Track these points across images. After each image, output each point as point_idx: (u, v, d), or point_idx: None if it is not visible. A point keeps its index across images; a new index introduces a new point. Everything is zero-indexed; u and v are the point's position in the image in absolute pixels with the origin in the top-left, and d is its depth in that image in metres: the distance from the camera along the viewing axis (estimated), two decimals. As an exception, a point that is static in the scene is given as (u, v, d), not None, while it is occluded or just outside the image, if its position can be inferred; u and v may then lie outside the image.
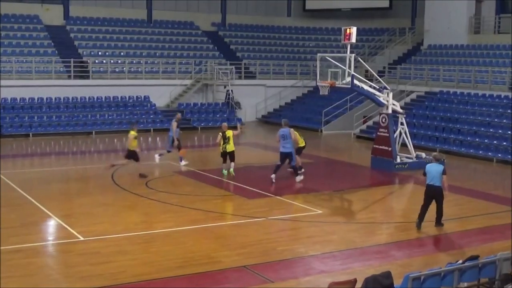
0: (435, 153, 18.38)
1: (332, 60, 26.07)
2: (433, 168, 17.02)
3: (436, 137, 31.91)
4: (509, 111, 31.13)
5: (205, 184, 22.83)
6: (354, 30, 24.99)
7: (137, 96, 39.70)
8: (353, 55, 25.18)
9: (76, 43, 42.26)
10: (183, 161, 26.46)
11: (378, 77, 29.13)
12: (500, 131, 30.24)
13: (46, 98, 37.16)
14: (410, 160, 26.73)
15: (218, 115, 40.43)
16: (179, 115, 27.45)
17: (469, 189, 22.46)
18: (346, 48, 25.79)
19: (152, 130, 37.47)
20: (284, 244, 15.65)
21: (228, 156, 23.92)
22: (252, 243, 15.65)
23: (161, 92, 40.64)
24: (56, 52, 40.12)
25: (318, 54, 27.30)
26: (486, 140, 30.00)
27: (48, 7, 43.64)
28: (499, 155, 28.76)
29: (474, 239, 16.71)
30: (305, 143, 24.74)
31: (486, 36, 41.19)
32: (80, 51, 41.57)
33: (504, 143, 29.11)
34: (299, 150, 24.19)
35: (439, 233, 16.92)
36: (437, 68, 38.93)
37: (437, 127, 32.89)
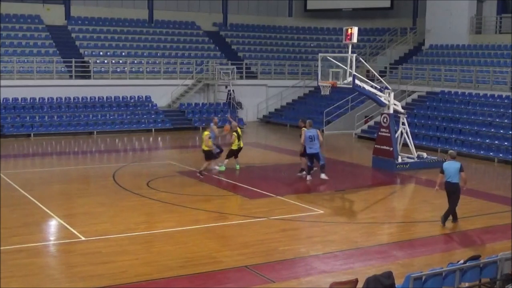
0: (451, 151, 18.63)
1: (333, 60, 26.06)
2: (451, 166, 17.43)
3: (438, 137, 31.90)
4: (510, 111, 31.09)
5: (207, 184, 22.83)
6: (355, 30, 24.99)
7: (138, 96, 39.70)
8: (354, 55, 25.19)
9: (77, 43, 42.28)
10: (217, 165, 25.84)
11: (380, 77, 29.11)
12: (501, 131, 30.23)
13: (48, 98, 37.18)
14: (412, 160, 26.73)
15: (219, 115, 40.41)
16: (216, 119, 27.44)
17: (470, 189, 22.35)
18: (348, 48, 25.78)
19: (153, 130, 37.48)
20: (286, 244, 15.65)
21: (237, 153, 24.82)
22: (254, 243, 15.66)
23: (163, 92, 40.65)
24: (58, 52, 40.14)
25: (320, 54, 27.28)
26: (487, 140, 29.99)
27: (50, 7, 43.66)
28: (501, 155, 28.74)
29: (475, 239, 16.71)
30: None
31: (487, 36, 41.19)
32: (81, 51, 41.58)
33: (506, 143, 29.08)
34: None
35: (440, 233, 16.90)
36: (438, 68, 38.92)
37: (438, 127, 32.87)
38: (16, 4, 42.30)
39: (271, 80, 44.96)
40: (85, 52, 41.47)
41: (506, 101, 32.28)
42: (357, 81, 25.13)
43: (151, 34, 45.35)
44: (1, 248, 14.61)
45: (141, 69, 41.28)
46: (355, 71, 25.15)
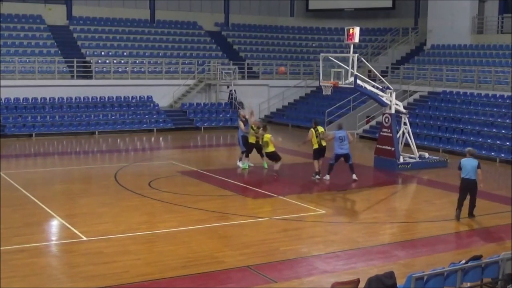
0: (469, 148, 18.89)
1: (335, 60, 26.07)
2: (469, 163, 17.84)
3: (439, 137, 31.89)
4: (511, 111, 31.09)
5: (208, 184, 22.84)
6: (357, 30, 25.00)
7: (140, 96, 39.71)
8: (356, 55, 25.21)
9: (79, 43, 42.30)
10: (241, 163, 26.00)
11: (381, 77, 29.09)
12: (503, 131, 30.21)
13: (49, 98, 37.20)
14: (413, 160, 26.73)
15: (221, 115, 40.45)
16: (242, 112, 27.32)
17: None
18: (349, 48, 25.82)
19: (155, 130, 37.49)
20: (287, 244, 15.65)
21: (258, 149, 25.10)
22: (255, 243, 15.66)
23: (164, 92, 40.66)
24: (59, 52, 40.17)
25: (321, 54, 27.27)
26: (489, 140, 29.98)
27: (51, 7, 43.69)
28: (502, 155, 28.73)
29: (477, 239, 16.72)
30: (319, 145, 24.11)
31: (489, 36, 41.17)
32: (83, 51, 41.61)
33: (507, 143, 29.06)
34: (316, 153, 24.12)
35: (442, 233, 16.90)
36: (440, 68, 38.90)
37: (440, 127, 32.86)
38: (18, 4, 42.34)
39: (273, 80, 44.94)
40: (87, 52, 41.50)
41: (507, 101, 32.26)
42: (358, 81, 25.13)
43: (153, 34, 45.36)
44: (3, 248, 14.63)
45: (142, 69, 41.30)
46: (357, 71, 25.14)
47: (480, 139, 30.32)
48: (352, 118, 37.99)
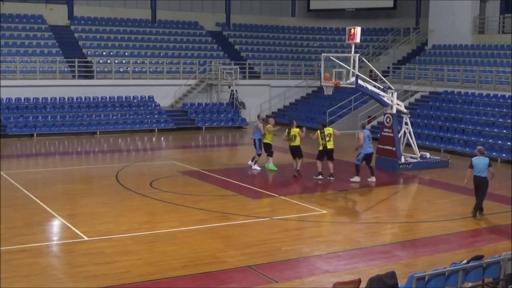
0: (479, 147, 19.24)
1: (336, 60, 26.09)
2: (480, 161, 18.28)
3: (441, 137, 31.88)
4: (513, 111, 31.15)
5: (210, 184, 22.84)
6: (358, 30, 25.02)
7: (141, 96, 39.71)
8: (357, 55, 25.21)
9: (80, 43, 42.32)
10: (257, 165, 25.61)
11: (383, 77, 29.10)
12: (504, 131, 30.20)
13: (51, 98, 37.20)
14: (415, 160, 26.73)
15: (222, 115, 40.44)
16: (261, 116, 27.00)
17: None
18: (351, 48, 25.84)
19: (156, 130, 37.49)
20: (289, 244, 15.65)
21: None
22: (257, 243, 15.66)
23: (166, 92, 40.66)
24: (61, 52, 40.18)
25: (323, 54, 27.26)
26: (490, 140, 29.97)
27: (52, 7, 43.71)
28: (503, 155, 28.71)
29: (478, 239, 16.72)
30: (323, 147, 23.83)
31: (490, 36, 41.16)
32: (84, 51, 41.63)
33: (509, 143, 29.04)
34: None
35: (443, 233, 16.89)
36: (441, 68, 38.90)
37: (441, 127, 32.85)
38: (19, 4, 42.36)
39: (274, 80, 44.96)
40: (88, 52, 41.51)
41: (509, 101, 32.23)
42: (360, 81, 25.14)
43: (154, 34, 45.38)
44: (5, 248, 14.64)
45: (144, 69, 41.31)
46: (358, 71, 25.15)
47: (481, 139, 30.29)
48: (354, 118, 37.98)
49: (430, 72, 38.81)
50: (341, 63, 25.60)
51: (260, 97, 43.80)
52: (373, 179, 23.49)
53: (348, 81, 25.11)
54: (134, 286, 12.61)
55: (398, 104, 26.55)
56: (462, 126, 32.17)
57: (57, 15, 43.69)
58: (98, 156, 30.49)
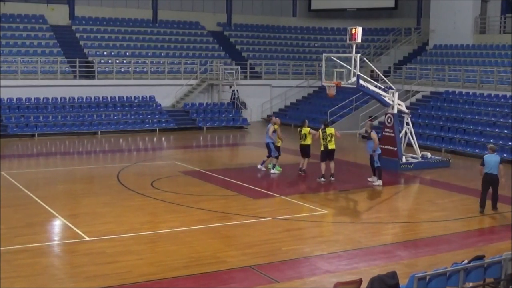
0: (491, 145, 19.97)
1: (337, 60, 26.07)
2: (492, 159, 18.85)
3: (442, 137, 31.87)
4: (514, 111, 31.14)
5: (211, 184, 22.85)
6: (359, 30, 25.02)
7: (142, 96, 39.72)
8: (358, 55, 25.19)
9: (81, 43, 42.34)
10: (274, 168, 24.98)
11: (384, 77, 29.11)
12: (505, 131, 30.19)
13: (52, 98, 37.21)
14: (416, 160, 26.73)
15: (223, 115, 40.44)
16: (274, 119, 25.61)
17: (475, 189, 22.37)
18: (352, 48, 25.80)
19: (157, 130, 37.49)
20: (290, 244, 15.65)
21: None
22: (258, 243, 15.66)
23: (167, 92, 40.68)
24: (62, 52, 40.19)
25: (324, 54, 27.28)
26: (491, 140, 29.90)
27: (54, 7, 43.73)
28: (505, 155, 28.62)
29: (479, 239, 16.71)
30: (324, 147, 23.56)
31: (491, 36, 41.16)
32: (85, 51, 41.64)
33: (510, 143, 29.03)
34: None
35: (444, 233, 16.89)
36: (442, 68, 38.90)
37: (442, 127, 32.84)
38: (20, 4, 42.38)
39: (275, 80, 44.96)
40: (89, 52, 41.53)
41: (510, 101, 32.22)
42: (361, 81, 25.13)
43: (155, 34, 45.40)
44: (6, 248, 14.65)
45: (145, 69, 41.32)
46: (359, 71, 25.15)
47: (482, 139, 30.29)
48: (355, 118, 37.99)
49: (431, 72, 38.81)
50: (342, 63, 25.57)
51: (261, 97, 43.82)
52: (375, 179, 23.35)
53: (349, 81, 25.10)
54: (135, 286, 12.61)
55: (399, 104, 26.55)
56: (463, 126, 32.16)
57: (58, 15, 43.71)
58: (99, 156, 30.50)
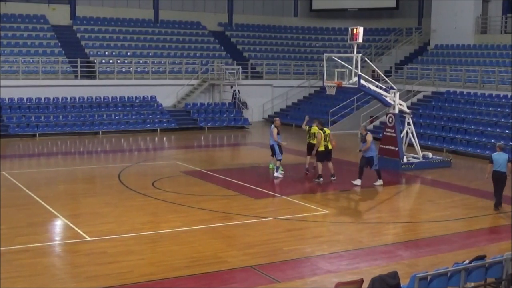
0: (499, 143, 20.51)
1: (338, 60, 26.07)
2: (500, 157, 19.16)
3: (443, 137, 31.86)
4: (515, 111, 31.13)
5: (212, 184, 22.84)
6: (360, 30, 25.00)
7: (143, 96, 39.73)
8: (359, 55, 25.18)
9: (82, 43, 42.35)
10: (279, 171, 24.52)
11: (385, 77, 29.10)
12: (506, 131, 30.17)
13: (53, 98, 37.22)
14: (417, 160, 26.72)
15: (224, 115, 40.45)
16: (278, 121, 25.41)
17: (476, 189, 22.44)
18: (353, 48, 25.78)
19: (159, 130, 37.50)
20: (291, 244, 15.65)
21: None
22: (259, 243, 15.66)
23: (168, 92, 40.69)
24: (63, 52, 40.20)
25: (325, 54, 27.29)
26: (493, 140, 29.88)
27: (55, 7, 43.75)
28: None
29: (481, 239, 16.69)
30: (325, 148, 23.56)
31: (492, 36, 41.15)
32: (86, 51, 41.65)
33: (511, 143, 29.00)
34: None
35: (445, 233, 16.89)
36: (443, 68, 38.89)
37: (443, 127, 32.84)
38: (22, 4, 42.40)
39: (277, 80, 44.96)
40: (91, 52, 41.54)
41: (511, 101, 32.20)
42: (362, 81, 25.13)
43: (157, 34, 45.40)
44: (7, 248, 14.66)
45: (146, 69, 41.32)
46: (361, 71, 25.14)
47: (483, 139, 30.29)
48: (356, 118, 37.98)
49: (433, 72, 38.80)
50: (344, 63, 25.57)
51: (262, 97, 43.83)
52: (359, 182, 23.24)
53: (351, 81, 25.09)
54: (136, 286, 12.61)
55: (400, 104, 26.54)
56: (465, 126, 32.15)
57: (59, 15, 43.72)
58: (100, 156, 30.52)
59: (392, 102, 26.18)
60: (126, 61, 41.68)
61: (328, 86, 25.79)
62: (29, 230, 16.45)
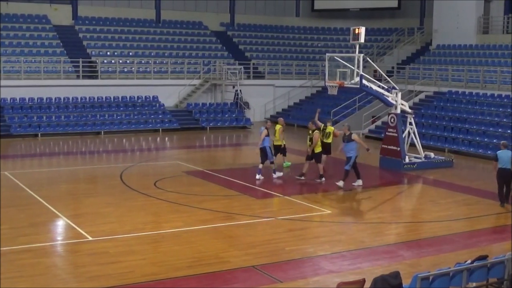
0: (503, 141, 20.85)
1: (340, 60, 26.05)
2: (505, 154, 19.60)
3: (445, 137, 31.84)
4: (517, 111, 31.10)
5: (214, 184, 22.84)
6: (362, 30, 24.99)
7: (145, 96, 39.74)
8: (361, 55, 25.20)
9: (84, 43, 42.36)
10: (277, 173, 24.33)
11: (387, 77, 29.06)
12: (508, 131, 30.12)
13: (55, 98, 37.24)
14: (419, 160, 26.71)
15: (226, 115, 40.44)
16: (269, 123, 25.40)
17: (478, 189, 22.43)
18: (355, 48, 25.77)
19: (160, 130, 37.50)
20: (293, 244, 15.65)
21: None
22: (261, 243, 15.66)
23: (170, 92, 40.68)
24: (65, 52, 40.22)
25: (327, 54, 27.25)
26: (494, 140, 29.89)
27: (57, 7, 43.75)
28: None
29: (482, 239, 16.68)
30: (321, 148, 23.50)
31: (494, 36, 41.10)
32: (88, 51, 41.66)
33: (513, 143, 29.03)
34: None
35: (447, 233, 16.88)
36: (445, 68, 38.86)
37: (445, 127, 32.81)
38: (23, 4, 42.41)
39: (279, 80, 44.95)
40: (93, 52, 41.55)
41: (513, 101, 32.24)
42: (364, 81, 25.10)
43: (158, 34, 45.41)
44: (9, 248, 14.67)
45: (148, 69, 41.33)
46: (363, 71, 25.15)
47: (485, 139, 30.27)
48: (358, 118, 37.94)
49: (435, 72, 38.77)
50: (346, 63, 25.57)
51: (264, 97, 43.82)
52: (360, 182, 23.08)
53: (353, 81, 25.09)
54: (138, 286, 12.62)
55: (402, 104, 26.53)
56: (467, 126, 32.13)
57: (61, 15, 43.73)
58: (102, 156, 30.53)
59: (394, 102, 26.17)
60: (128, 61, 41.68)
61: (330, 86, 25.79)
62: (31, 230, 16.46)
